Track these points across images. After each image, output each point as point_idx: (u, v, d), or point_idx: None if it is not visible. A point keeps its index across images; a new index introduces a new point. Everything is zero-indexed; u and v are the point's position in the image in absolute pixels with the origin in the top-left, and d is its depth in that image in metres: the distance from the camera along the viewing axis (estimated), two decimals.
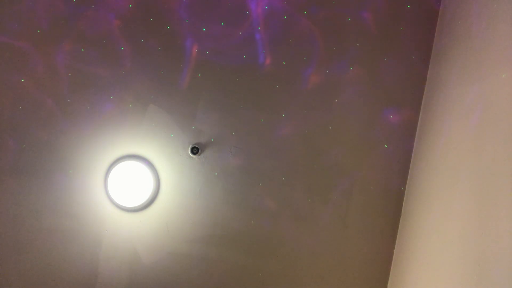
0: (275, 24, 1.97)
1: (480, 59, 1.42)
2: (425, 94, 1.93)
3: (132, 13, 1.97)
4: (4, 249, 2.02)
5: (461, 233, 1.33)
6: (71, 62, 1.98)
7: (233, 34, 1.97)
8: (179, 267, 2.04)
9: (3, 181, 2.00)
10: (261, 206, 2.01)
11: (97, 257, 2.03)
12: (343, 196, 1.99)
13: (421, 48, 1.94)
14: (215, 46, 1.97)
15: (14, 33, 1.96)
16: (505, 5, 1.31)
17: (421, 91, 1.95)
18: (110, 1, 1.96)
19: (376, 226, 1.99)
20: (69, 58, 1.98)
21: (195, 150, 1.97)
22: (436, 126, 1.74)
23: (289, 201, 2.01)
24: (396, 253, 1.96)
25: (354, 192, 1.99)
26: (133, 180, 1.98)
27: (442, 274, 1.42)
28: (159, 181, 2.02)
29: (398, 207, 1.97)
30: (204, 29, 1.97)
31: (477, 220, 1.23)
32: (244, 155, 2.01)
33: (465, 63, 1.55)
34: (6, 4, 1.95)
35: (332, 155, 1.99)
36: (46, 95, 1.98)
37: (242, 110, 1.99)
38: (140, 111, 1.99)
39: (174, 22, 1.97)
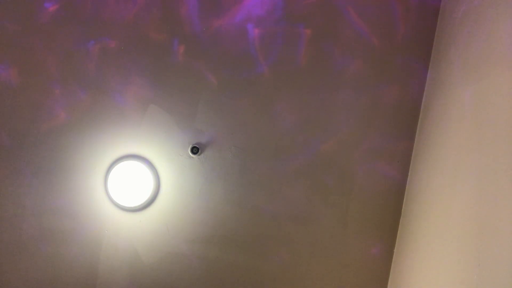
0: (274, 26, 1.97)
1: (480, 59, 1.42)
2: (425, 94, 1.93)
3: (132, 13, 1.97)
4: (4, 249, 2.03)
5: (461, 233, 1.33)
6: (72, 62, 1.98)
7: (234, 34, 1.97)
8: (179, 267, 2.04)
9: (3, 181, 2.00)
10: (261, 206, 2.01)
11: (97, 257, 2.04)
12: (343, 196, 1.99)
13: (421, 48, 1.94)
14: (216, 46, 1.97)
15: (15, 33, 1.96)
16: (505, 5, 1.31)
17: (421, 91, 1.95)
18: (110, 1, 1.96)
19: (376, 226, 1.99)
20: (70, 59, 1.97)
21: (195, 150, 1.97)
22: (436, 126, 1.74)
23: (289, 201, 2.01)
24: (396, 253, 1.96)
25: (354, 192, 1.99)
26: (133, 180, 1.98)
27: (442, 274, 1.42)
28: (159, 181, 2.02)
29: (398, 207, 1.97)
30: (204, 29, 1.97)
31: (477, 220, 1.23)
32: (244, 155, 2.01)
33: (465, 63, 1.55)
34: (8, 2, 1.95)
35: (332, 155, 1.99)
36: (46, 96, 1.98)
37: (242, 110, 1.99)
38: (140, 111, 2.00)
39: (174, 22, 1.97)
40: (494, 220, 1.14)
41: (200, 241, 2.03)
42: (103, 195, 2.02)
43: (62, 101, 1.99)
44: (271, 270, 2.03)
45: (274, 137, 2.00)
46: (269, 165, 2.01)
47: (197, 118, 2.00)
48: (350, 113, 1.98)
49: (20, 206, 2.01)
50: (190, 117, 2.00)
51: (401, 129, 1.97)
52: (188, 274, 2.04)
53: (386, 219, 1.98)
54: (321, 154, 1.99)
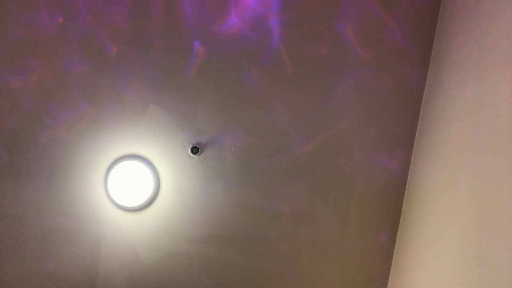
0: (275, 26, 1.97)
1: (480, 59, 1.42)
2: (425, 94, 1.93)
3: (132, 13, 1.97)
4: (4, 249, 2.03)
5: (461, 233, 1.33)
6: (71, 63, 1.98)
7: (234, 34, 1.97)
8: (179, 267, 2.04)
9: (3, 181, 2.00)
10: (261, 206, 2.01)
11: (97, 257, 2.03)
12: (343, 196, 1.99)
13: (421, 48, 1.94)
14: (216, 46, 1.97)
15: (16, 35, 1.96)
16: (505, 5, 1.31)
17: (421, 91, 1.95)
18: (110, 1, 1.96)
19: (376, 226, 1.99)
20: (69, 59, 1.98)
21: (195, 150, 1.97)
22: (436, 126, 1.74)
23: (289, 201, 2.01)
24: (396, 253, 1.97)
25: (354, 192, 1.99)
26: (133, 180, 1.98)
27: (442, 274, 1.42)
28: (159, 181, 2.02)
29: (398, 207, 1.97)
30: (204, 29, 1.97)
31: (477, 220, 1.23)
32: (244, 155, 2.01)
33: (465, 63, 1.55)
34: (8, 3, 1.95)
35: (332, 155, 1.99)
36: (46, 96, 1.98)
37: (242, 110, 1.99)
38: (140, 111, 2.00)
39: (174, 21, 1.97)
40: (494, 220, 1.14)
41: (200, 241, 2.03)
42: (103, 195, 2.02)
43: (62, 102, 1.99)
44: (271, 270, 2.03)
45: (274, 137, 2.00)
46: (269, 165, 2.01)
47: (197, 118, 2.00)
48: (350, 112, 1.98)
49: (20, 206, 2.01)
50: (190, 117, 2.00)
51: (402, 129, 1.97)
52: (188, 274, 2.04)
53: (386, 219, 1.98)
54: (321, 154, 1.99)
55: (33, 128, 1.99)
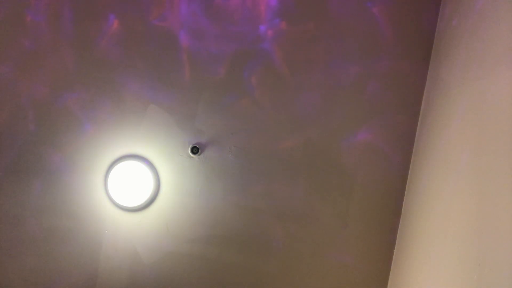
0: (276, 25, 1.97)
1: (480, 59, 1.42)
2: (425, 94, 1.93)
3: (131, 14, 1.97)
4: (4, 249, 2.03)
5: (461, 233, 1.33)
6: (71, 62, 1.98)
7: (234, 34, 1.97)
8: (179, 267, 2.04)
9: (3, 181, 2.00)
10: (261, 206, 2.01)
11: (97, 257, 2.04)
12: (343, 196, 1.99)
13: (421, 48, 1.94)
14: (215, 46, 1.97)
15: (17, 37, 1.97)
16: (506, 5, 1.31)
17: (421, 91, 1.95)
18: (110, 1, 1.96)
19: (376, 226, 1.99)
20: (69, 59, 1.98)
21: (195, 150, 1.97)
22: (436, 126, 1.74)
23: (289, 201, 2.01)
24: (396, 253, 1.96)
25: (354, 192, 1.99)
26: (133, 180, 1.98)
27: (442, 274, 1.42)
28: (159, 181, 2.02)
29: (398, 207, 1.97)
30: (204, 29, 1.97)
31: (477, 220, 1.23)
32: (244, 155, 2.00)
33: (465, 63, 1.55)
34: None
35: (332, 155, 1.99)
36: (46, 96, 1.98)
37: (242, 110, 1.99)
38: (140, 111, 2.00)
39: (174, 22, 1.97)
40: (494, 220, 1.14)
41: (200, 241, 2.03)
42: (103, 195, 2.02)
43: (62, 102, 1.99)
44: (271, 270, 2.03)
45: (274, 137, 2.00)
46: (269, 165, 2.00)
47: (197, 118, 2.00)
48: (350, 111, 1.98)
49: (20, 206, 2.01)
50: (190, 117, 2.00)
51: (401, 128, 1.96)
52: (188, 274, 2.04)
53: (386, 219, 1.98)
54: (321, 153, 1.99)
55: (32, 128, 1.99)
